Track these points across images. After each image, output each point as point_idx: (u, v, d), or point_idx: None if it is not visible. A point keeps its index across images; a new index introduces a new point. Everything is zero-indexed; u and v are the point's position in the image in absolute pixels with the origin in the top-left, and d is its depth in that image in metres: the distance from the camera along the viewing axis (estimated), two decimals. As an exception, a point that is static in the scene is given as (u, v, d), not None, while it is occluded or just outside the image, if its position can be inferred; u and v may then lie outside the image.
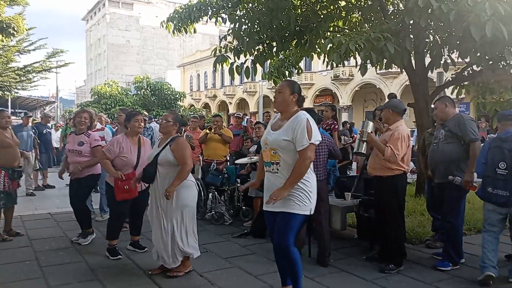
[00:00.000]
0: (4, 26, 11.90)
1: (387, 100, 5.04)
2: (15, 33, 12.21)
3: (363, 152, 4.32)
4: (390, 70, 13.13)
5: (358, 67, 6.73)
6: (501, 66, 6.71)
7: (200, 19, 7.91)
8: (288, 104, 3.16)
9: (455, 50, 6.87)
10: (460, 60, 7.23)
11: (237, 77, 8.45)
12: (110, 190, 4.60)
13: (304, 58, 8.98)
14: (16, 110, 31.70)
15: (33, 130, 9.31)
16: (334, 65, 6.44)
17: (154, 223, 4.10)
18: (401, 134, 4.10)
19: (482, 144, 4.33)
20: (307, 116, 3.09)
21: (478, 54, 6.40)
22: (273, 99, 3.15)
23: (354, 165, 9.92)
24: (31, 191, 8.88)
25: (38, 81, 22.19)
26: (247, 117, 13.06)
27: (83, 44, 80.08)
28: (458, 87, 7.85)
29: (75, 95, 75.01)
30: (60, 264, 4.41)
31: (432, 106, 4.83)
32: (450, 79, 7.80)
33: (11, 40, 14.17)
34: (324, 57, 7.24)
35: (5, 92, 22.26)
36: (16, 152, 5.42)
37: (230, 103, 42.80)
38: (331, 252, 4.44)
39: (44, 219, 6.48)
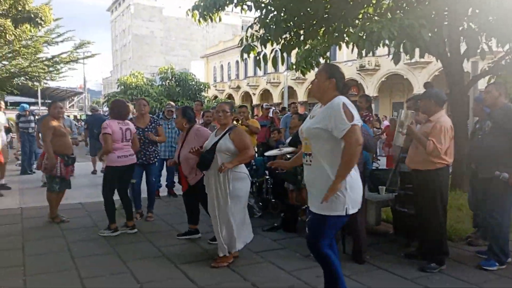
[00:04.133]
0: (32, 16, 11.91)
1: (420, 90, 4.80)
2: (42, 23, 12.23)
3: (401, 145, 4.12)
4: (418, 60, 12.74)
5: (390, 56, 6.49)
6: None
7: (225, 6, 7.78)
8: (324, 91, 2.86)
9: (492, 38, 6.55)
10: (497, 49, 6.89)
11: (261, 67, 8.29)
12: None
13: (330, 48, 8.75)
14: (46, 101, 32.30)
15: None
16: (363, 54, 6.23)
17: (210, 211, 4.24)
18: (443, 126, 3.85)
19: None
20: (343, 100, 2.76)
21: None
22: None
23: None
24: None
25: (66, 72, 22.17)
26: (273, 108, 12.93)
27: (108, 35, 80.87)
28: (495, 77, 7.51)
29: (101, 85, 76.24)
30: (92, 255, 4.41)
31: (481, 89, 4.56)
32: (487, 69, 7.45)
33: (39, 30, 14.23)
34: (353, 46, 7.01)
35: (35, 83, 22.63)
36: (69, 141, 5.77)
37: (254, 94, 42.66)
38: (367, 249, 4.28)
39: (75, 209, 6.50)
